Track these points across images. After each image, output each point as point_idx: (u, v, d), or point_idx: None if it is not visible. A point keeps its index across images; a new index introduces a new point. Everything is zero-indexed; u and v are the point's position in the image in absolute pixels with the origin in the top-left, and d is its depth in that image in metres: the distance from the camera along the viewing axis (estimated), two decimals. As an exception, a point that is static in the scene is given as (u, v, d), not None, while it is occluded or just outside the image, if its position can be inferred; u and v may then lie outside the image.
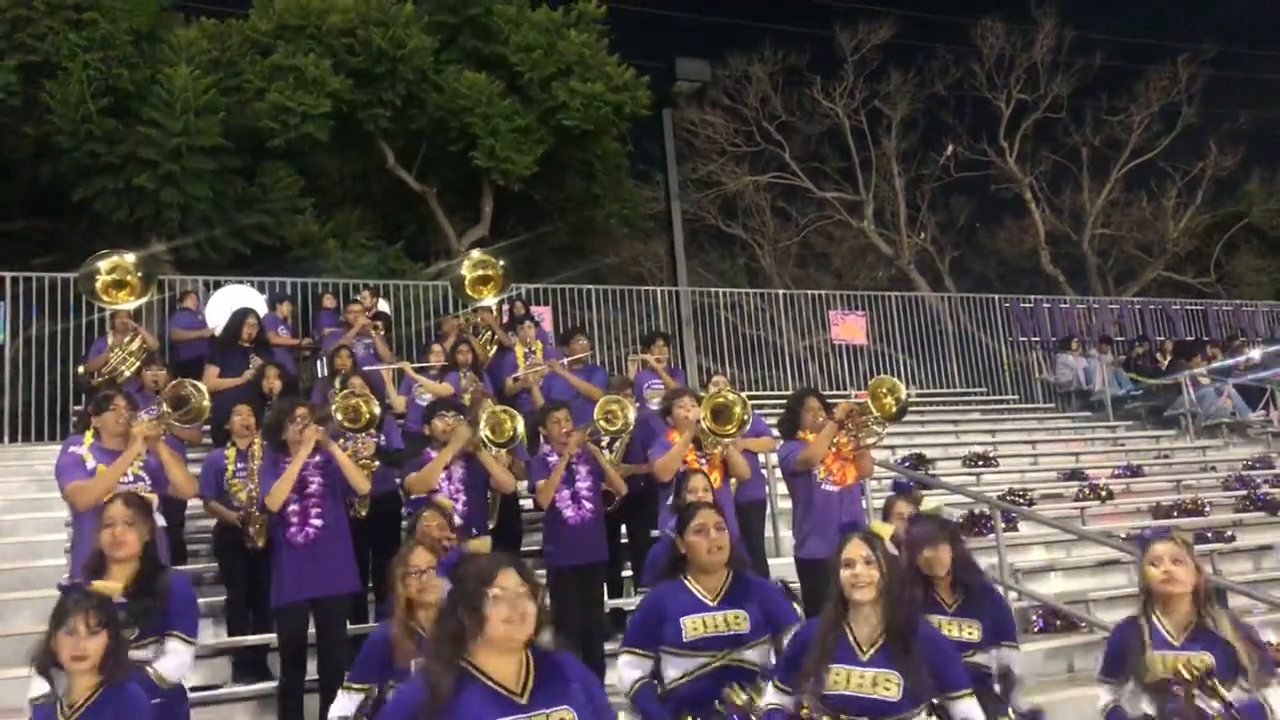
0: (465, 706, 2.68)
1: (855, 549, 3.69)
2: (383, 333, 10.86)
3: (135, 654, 3.99)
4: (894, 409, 6.31)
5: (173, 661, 4.13)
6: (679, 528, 4.22)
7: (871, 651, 3.62)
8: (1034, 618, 7.88)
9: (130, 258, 7.86)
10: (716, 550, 4.12)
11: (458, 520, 6.08)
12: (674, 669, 4.06)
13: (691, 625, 4.03)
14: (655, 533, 7.04)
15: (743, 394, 6.56)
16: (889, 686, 3.55)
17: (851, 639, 3.65)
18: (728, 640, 4.03)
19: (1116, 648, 4.09)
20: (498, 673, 2.76)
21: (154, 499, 5.22)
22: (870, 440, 6.40)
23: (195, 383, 6.68)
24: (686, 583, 4.14)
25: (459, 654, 2.75)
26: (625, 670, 4.12)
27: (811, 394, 6.70)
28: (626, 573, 7.63)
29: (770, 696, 3.76)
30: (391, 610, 4.25)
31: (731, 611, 4.09)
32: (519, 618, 2.75)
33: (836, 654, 3.62)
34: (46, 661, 3.54)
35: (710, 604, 4.10)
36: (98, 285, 7.63)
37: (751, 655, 4.05)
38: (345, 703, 4.14)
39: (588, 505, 6.71)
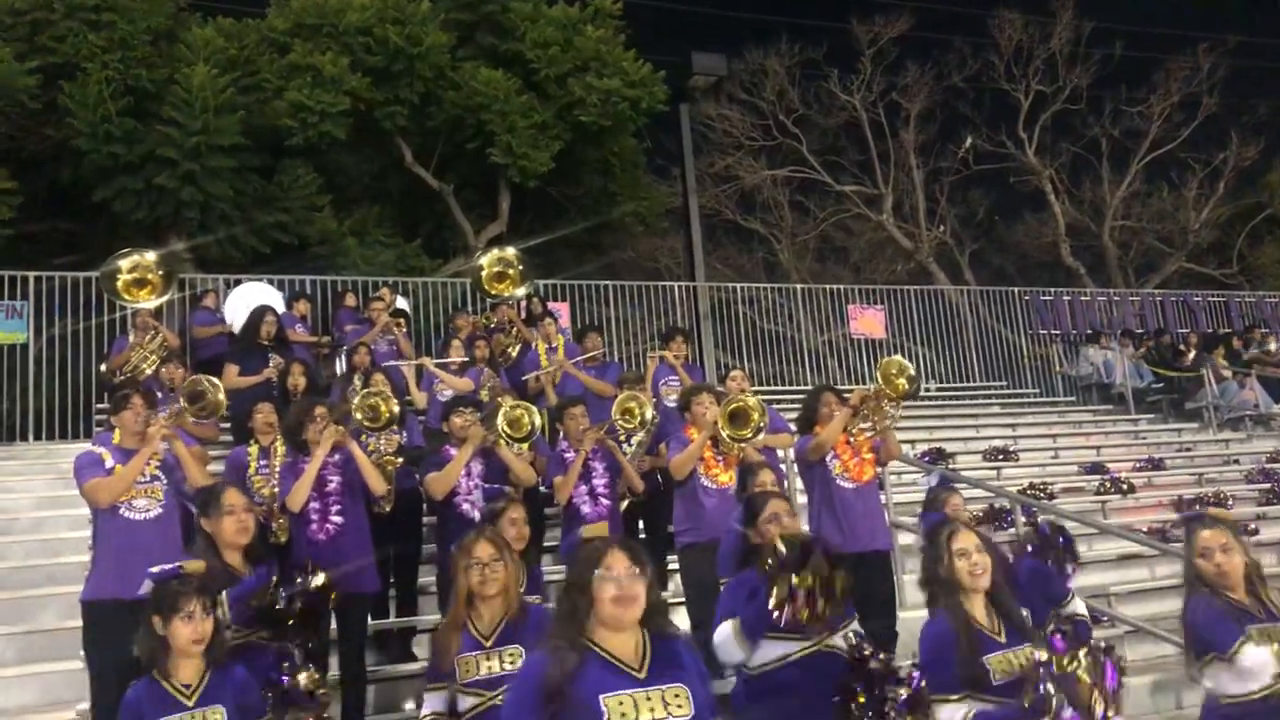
0: (587, 677, 2.82)
1: (968, 538, 3.68)
2: (404, 330, 10.94)
3: None
4: (905, 387, 6.31)
5: None
6: (748, 519, 4.20)
7: (1003, 633, 3.64)
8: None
9: (151, 256, 7.89)
10: None
11: (476, 516, 6.11)
12: (768, 651, 3.96)
13: None
14: (672, 528, 7.05)
15: (759, 399, 6.55)
16: (1030, 660, 3.58)
17: (980, 625, 3.64)
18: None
19: (1207, 624, 3.94)
20: (616, 649, 2.90)
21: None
22: (886, 423, 6.40)
23: (211, 379, 6.72)
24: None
25: (579, 632, 2.90)
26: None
27: (828, 390, 6.70)
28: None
29: (947, 714, 3.64)
30: (450, 600, 4.22)
31: None
32: (628, 598, 2.89)
33: (985, 646, 3.61)
34: (158, 653, 3.64)
35: None
36: (119, 284, 7.67)
37: (839, 641, 4.00)
38: (433, 701, 4.12)
39: (605, 502, 6.72)
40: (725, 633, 3.90)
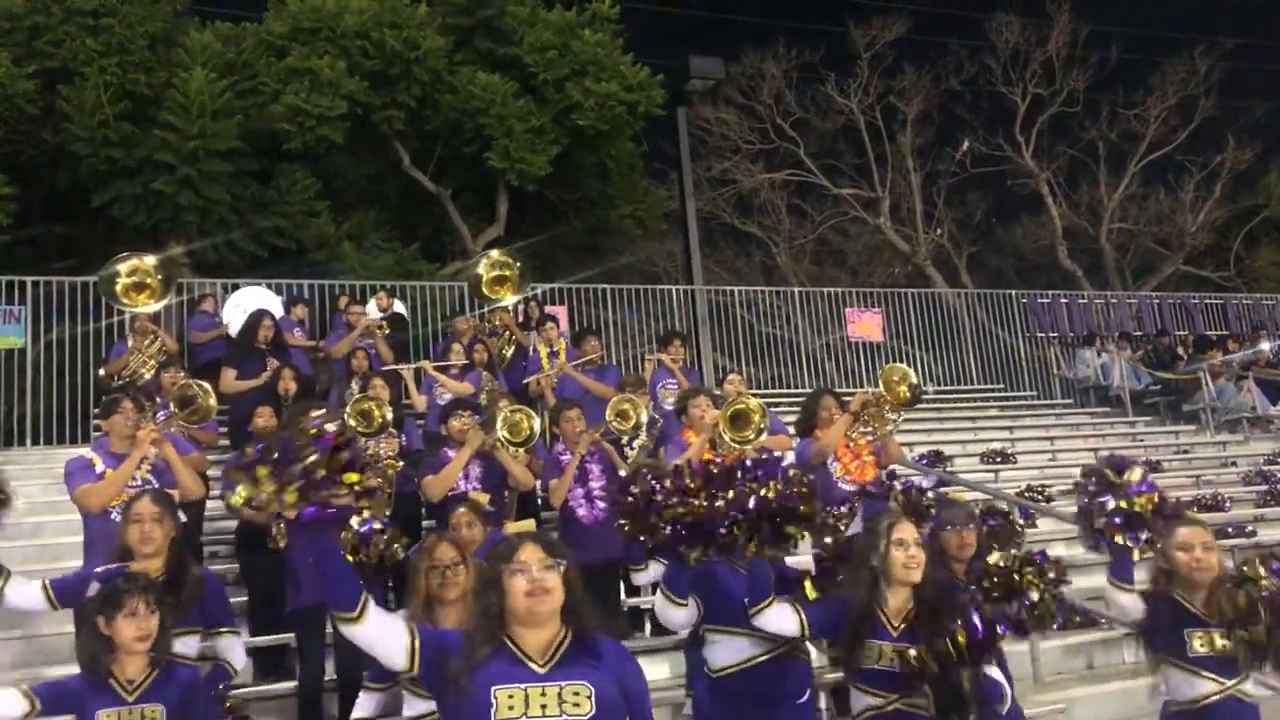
0: (488, 668, 2.79)
1: (908, 530, 3.71)
2: (386, 332, 10.91)
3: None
4: (908, 395, 6.32)
5: (238, 651, 4.63)
6: None
7: (901, 627, 3.67)
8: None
9: (150, 260, 7.89)
10: None
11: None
12: (734, 651, 3.99)
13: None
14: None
15: (760, 401, 6.55)
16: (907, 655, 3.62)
17: (883, 616, 3.67)
18: None
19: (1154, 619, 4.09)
20: (528, 644, 2.86)
21: (174, 494, 5.26)
22: (887, 429, 6.41)
23: (201, 383, 6.71)
24: (739, 568, 4.04)
25: (498, 627, 2.85)
26: (675, 614, 3.95)
27: (827, 393, 6.71)
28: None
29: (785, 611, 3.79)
30: (408, 604, 4.14)
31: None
32: (540, 590, 2.83)
33: (873, 630, 3.66)
34: (100, 651, 3.65)
35: None
36: (118, 288, 7.67)
37: (808, 644, 4.06)
38: (366, 702, 4.12)
39: (600, 504, 6.71)
40: (786, 615, 3.85)
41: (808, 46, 24.73)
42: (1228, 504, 10.73)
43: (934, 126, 25.72)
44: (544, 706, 2.76)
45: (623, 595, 7.15)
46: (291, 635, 6.16)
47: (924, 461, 10.95)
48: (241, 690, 6.21)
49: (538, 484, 7.37)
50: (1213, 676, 3.91)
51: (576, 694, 2.80)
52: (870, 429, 6.44)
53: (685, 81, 16.05)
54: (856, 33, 24.57)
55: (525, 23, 17.87)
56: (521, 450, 6.97)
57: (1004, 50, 24.86)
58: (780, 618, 3.81)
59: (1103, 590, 4.15)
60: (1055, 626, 4.12)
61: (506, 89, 16.95)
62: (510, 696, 2.75)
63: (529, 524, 3.23)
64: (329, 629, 5.77)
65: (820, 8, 30.65)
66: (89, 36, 14.69)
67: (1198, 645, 3.94)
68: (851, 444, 6.43)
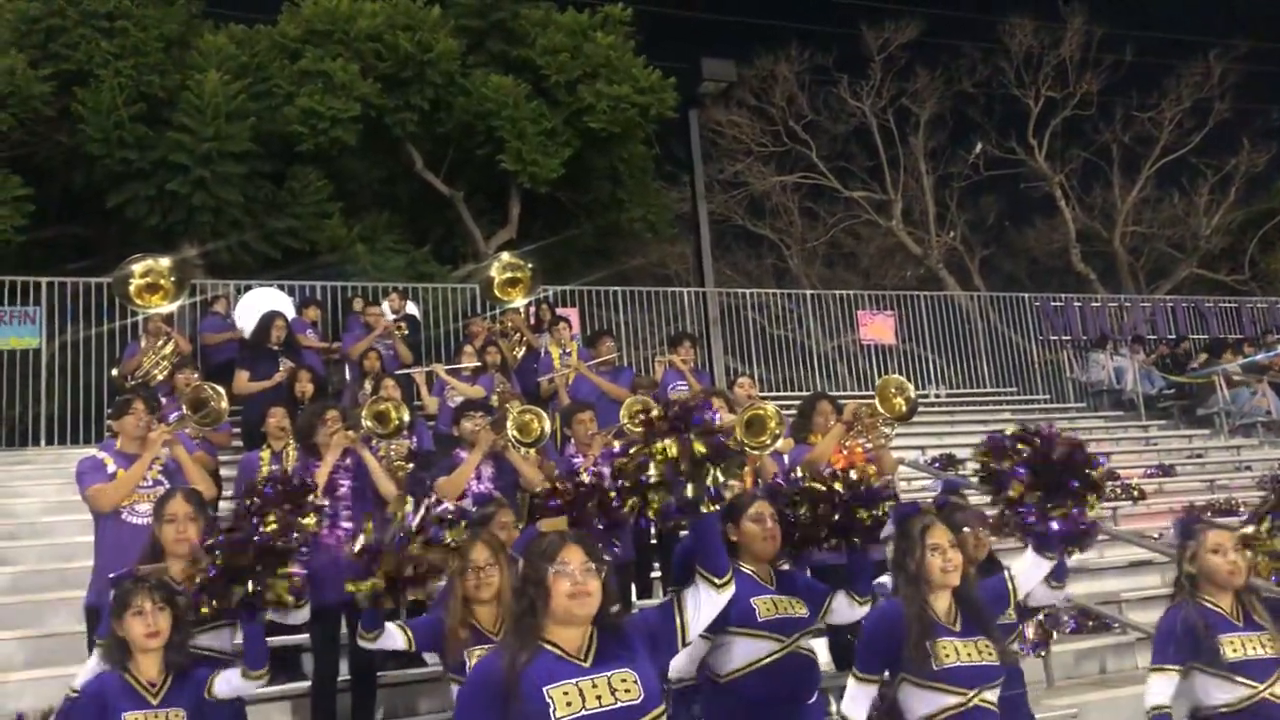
0: (535, 669, 2.81)
1: (941, 533, 3.70)
2: (405, 333, 10.93)
3: (206, 640, 4.15)
4: (903, 408, 6.23)
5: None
6: (729, 517, 4.16)
7: (958, 624, 3.64)
8: (1065, 618, 7.81)
9: (164, 261, 7.90)
10: (771, 540, 4.11)
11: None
12: (740, 655, 3.97)
13: (764, 606, 3.99)
14: (685, 533, 7.03)
15: (776, 407, 6.52)
16: (989, 653, 3.60)
17: (936, 615, 3.64)
18: (793, 624, 4.00)
19: (1181, 632, 4.05)
20: (565, 642, 2.88)
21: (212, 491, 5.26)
22: (880, 442, 6.35)
23: (214, 385, 6.72)
24: (741, 567, 4.03)
25: (535, 629, 2.87)
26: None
27: (824, 398, 6.65)
28: (655, 573, 7.63)
29: (852, 690, 3.66)
30: (444, 601, 4.16)
31: (789, 598, 4.08)
32: (582, 593, 2.85)
33: (935, 632, 3.61)
34: (120, 653, 3.70)
35: (770, 588, 4.08)
36: (132, 289, 7.68)
37: (809, 644, 4.03)
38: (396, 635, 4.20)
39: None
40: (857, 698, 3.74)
41: (820, 49, 24.80)
42: (1241, 509, 10.67)
43: (947, 129, 25.78)
44: (599, 698, 2.79)
45: (634, 596, 7.15)
46: (304, 635, 6.17)
47: (936, 465, 10.92)
48: (254, 690, 6.24)
49: (549, 485, 7.36)
50: (1246, 681, 3.89)
51: (624, 681, 2.85)
52: (866, 439, 6.38)
53: (697, 84, 16.03)
54: (869, 35, 24.61)
55: (538, 25, 17.91)
56: (533, 451, 6.97)
57: (1017, 53, 24.84)
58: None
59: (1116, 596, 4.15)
60: None
61: (519, 91, 16.99)
62: (565, 693, 2.77)
63: (561, 521, 3.21)
64: (343, 628, 5.79)
65: (833, 10, 30.65)
66: (104, 39, 14.78)
67: (1230, 651, 3.93)
68: (846, 451, 6.38)
